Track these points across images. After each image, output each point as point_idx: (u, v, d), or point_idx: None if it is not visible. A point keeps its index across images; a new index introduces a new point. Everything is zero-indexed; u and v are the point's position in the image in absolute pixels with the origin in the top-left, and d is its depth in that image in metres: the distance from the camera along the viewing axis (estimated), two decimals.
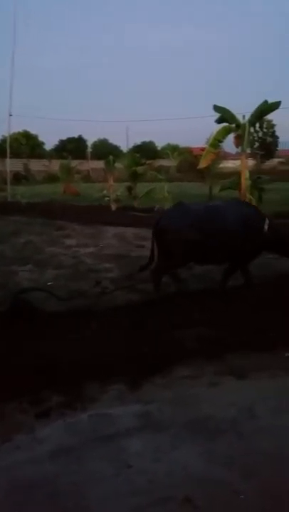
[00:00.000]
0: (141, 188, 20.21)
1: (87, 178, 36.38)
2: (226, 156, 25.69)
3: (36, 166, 40.01)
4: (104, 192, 20.07)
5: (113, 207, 18.52)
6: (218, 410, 3.12)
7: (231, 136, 14.58)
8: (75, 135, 54.72)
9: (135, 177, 21.08)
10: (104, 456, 2.66)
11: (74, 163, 29.77)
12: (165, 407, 3.20)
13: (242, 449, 2.70)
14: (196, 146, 25.56)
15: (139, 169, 20.51)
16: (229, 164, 26.75)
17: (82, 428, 2.98)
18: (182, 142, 57.09)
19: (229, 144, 15.16)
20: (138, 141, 63.76)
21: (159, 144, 65.73)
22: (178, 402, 3.29)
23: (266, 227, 5.76)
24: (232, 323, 4.54)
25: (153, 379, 3.55)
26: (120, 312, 4.98)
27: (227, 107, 13.70)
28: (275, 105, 13.36)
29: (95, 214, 15.35)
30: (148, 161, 24.60)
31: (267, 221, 5.83)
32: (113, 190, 19.35)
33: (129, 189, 21.33)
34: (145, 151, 48.81)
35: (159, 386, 3.48)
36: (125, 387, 3.43)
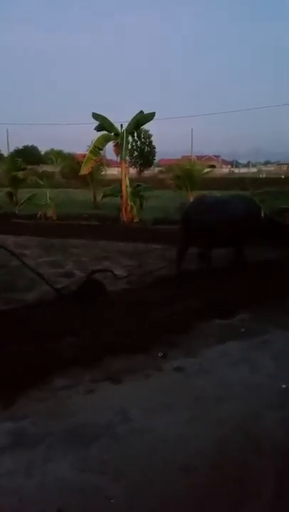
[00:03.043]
0: (23, 194, 19.51)
1: None
2: (110, 164, 26.20)
3: None
4: None
5: None
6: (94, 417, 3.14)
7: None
8: None
9: (16, 182, 20.28)
10: None
11: None
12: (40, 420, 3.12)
13: (114, 453, 2.74)
14: (80, 152, 25.58)
15: (20, 174, 19.84)
16: (114, 172, 27.33)
17: None
18: (67, 148, 56.60)
19: (112, 151, 15.59)
20: (20, 146, 61.46)
21: (43, 148, 64.30)
22: (54, 413, 3.23)
23: (262, 214, 7.54)
24: (104, 327, 4.62)
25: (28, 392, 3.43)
26: None
27: (105, 116, 14.06)
28: (150, 116, 14.14)
29: None
30: (30, 166, 23.85)
31: (262, 211, 7.63)
32: None
33: (10, 195, 20.43)
34: (28, 155, 47.25)
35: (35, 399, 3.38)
36: None
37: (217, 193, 15.03)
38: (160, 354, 4.13)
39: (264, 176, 50.19)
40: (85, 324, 4.73)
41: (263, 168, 75.91)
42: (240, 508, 2.33)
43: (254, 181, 32.80)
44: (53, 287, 5.85)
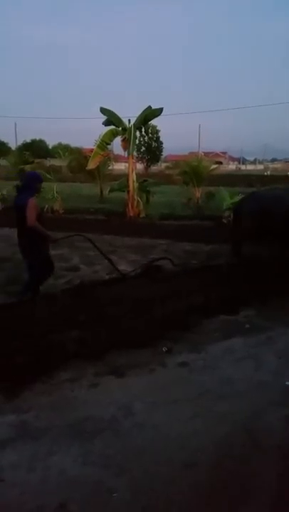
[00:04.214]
0: None
1: None
2: (118, 159, 26.15)
3: None
4: None
5: None
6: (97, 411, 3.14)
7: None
8: None
9: None
10: None
11: None
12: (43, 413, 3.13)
13: (117, 447, 2.75)
14: (87, 147, 25.55)
15: (28, 168, 19.83)
16: (122, 167, 27.25)
17: None
18: (74, 142, 56.57)
19: (120, 146, 15.55)
20: (28, 139, 61.52)
21: (51, 142, 64.31)
22: (57, 406, 3.23)
23: None
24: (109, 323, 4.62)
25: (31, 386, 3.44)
26: None
27: (113, 110, 14.00)
28: (158, 111, 14.06)
29: None
30: (37, 160, 23.88)
31: None
32: None
33: (17, 188, 20.41)
34: (35, 149, 47.30)
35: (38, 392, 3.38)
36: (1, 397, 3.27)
37: (224, 190, 14.96)
38: (165, 349, 4.12)
39: (269, 173, 49.96)
40: (89, 318, 4.73)
41: (270, 165, 75.48)
42: (241, 506, 2.32)
43: (260, 178, 32.59)
44: (118, 270, 6.67)
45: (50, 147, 60.38)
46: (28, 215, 5.15)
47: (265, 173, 48.88)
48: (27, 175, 5.79)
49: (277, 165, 75.42)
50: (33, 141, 63.36)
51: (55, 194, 17.21)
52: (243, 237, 7.70)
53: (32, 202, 5.22)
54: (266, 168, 64.62)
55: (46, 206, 17.03)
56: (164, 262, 7.43)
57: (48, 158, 37.52)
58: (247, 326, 4.82)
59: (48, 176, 18.71)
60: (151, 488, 2.41)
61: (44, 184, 20.98)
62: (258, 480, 2.48)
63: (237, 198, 13.59)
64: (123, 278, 6.56)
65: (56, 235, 6.02)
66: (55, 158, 27.84)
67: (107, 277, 6.87)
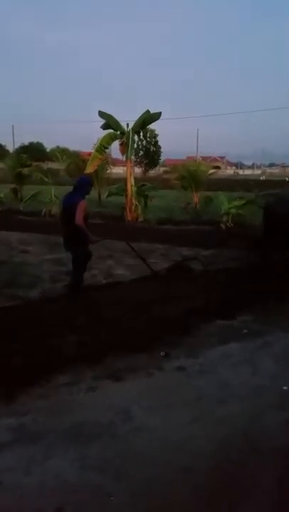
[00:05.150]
0: (28, 190, 19.51)
1: None
2: (116, 163, 26.19)
3: None
4: None
5: None
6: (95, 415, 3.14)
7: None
8: None
9: (21, 179, 20.27)
10: None
11: None
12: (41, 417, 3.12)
13: (115, 451, 2.75)
14: (85, 150, 25.56)
15: (25, 171, 19.82)
16: (120, 171, 27.29)
17: None
18: (72, 145, 56.62)
19: (118, 150, 15.59)
20: (25, 142, 61.51)
21: (48, 145, 64.35)
22: (55, 410, 3.23)
23: None
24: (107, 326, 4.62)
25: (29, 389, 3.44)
26: None
27: (112, 114, 14.02)
28: (157, 115, 14.10)
29: None
30: (35, 163, 23.87)
31: None
32: None
33: (15, 191, 20.44)
34: (33, 152, 47.30)
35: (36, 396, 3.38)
36: None
37: (222, 194, 15.01)
38: (162, 354, 4.12)
39: (264, 178, 50.24)
40: (88, 321, 4.74)
41: (268, 170, 75.77)
42: (240, 509, 2.33)
43: (258, 183, 32.70)
44: (151, 268, 6.99)
45: (48, 150, 60.40)
46: (77, 214, 5.66)
47: (261, 178, 49.11)
48: (80, 178, 6.43)
49: (275, 170, 75.71)
50: (31, 144, 63.43)
51: (53, 198, 17.21)
52: (272, 235, 8.51)
53: (83, 203, 5.77)
54: (263, 173, 64.90)
55: (44, 210, 17.04)
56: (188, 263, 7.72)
57: (46, 162, 37.56)
58: (245, 330, 4.83)
59: (45, 179, 18.74)
60: (149, 492, 2.41)
61: (41, 187, 21.08)
62: (256, 483, 2.48)
63: (235, 203, 13.65)
64: (155, 275, 6.91)
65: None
66: (53, 161, 27.85)
67: (104, 282, 6.88)
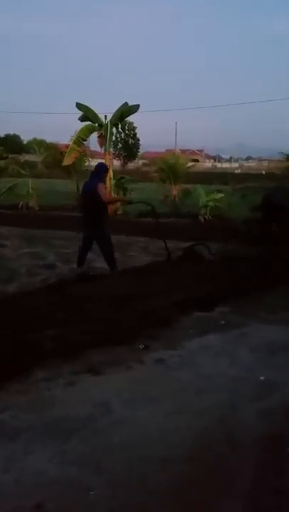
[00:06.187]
0: (4, 183, 19.14)
1: None
2: (94, 155, 25.94)
3: None
4: None
5: None
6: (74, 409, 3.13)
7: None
8: None
9: None
10: None
11: None
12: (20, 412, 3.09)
13: (95, 444, 2.74)
14: (63, 142, 25.21)
15: (1, 163, 19.47)
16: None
17: None
18: (50, 137, 55.72)
19: (96, 142, 15.45)
20: (1, 134, 60.30)
21: (25, 137, 63.20)
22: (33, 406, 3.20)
23: None
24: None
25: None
26: None
27: (90, 106, 13.88)
28: (135, 108, 14.03)
29: None
30: (12, 155, 23.44)
31: None
32: None
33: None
34: (9, 144, 46.42)
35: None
36: None
37: (200, 187, 15.07)
38: (142, 346, 4.13)
39: (240, 171, 50.79)
40: (66, 315, 4.70)
41: (245, 163, 76.51)
42: (219, 499, 2.36)
43: (235, 176, 33.00)
44: (168, 251, 7.42)
45: (24, 142, 59.33)
46: (100, 194, 6.24)
47: (236, 171, 49.58)
48: (97, 165, 7.09)
49: (252, 163, 76.48)
50: (7, 136, 62.15)
51: (30, 190, 16.96)
52: (271, 225, 9.29)
53: (102, 185, 6.45)
54: (239, 167, 65.53)
55: (21, 203, 16.77)
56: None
57: (23, 154, 36.92)
58: (222, 322, 4.88)
59: (22, 171, 18.43)
60: (130, 485, 2.41)
61: (18, 180, 20.76)
62: (235, 473, 2.52)
63: (213, 196, 13.74)
64: (169, 259, 7.37)
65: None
66: (30, 153, 27.38)
67: (84, 275, 6.82)
